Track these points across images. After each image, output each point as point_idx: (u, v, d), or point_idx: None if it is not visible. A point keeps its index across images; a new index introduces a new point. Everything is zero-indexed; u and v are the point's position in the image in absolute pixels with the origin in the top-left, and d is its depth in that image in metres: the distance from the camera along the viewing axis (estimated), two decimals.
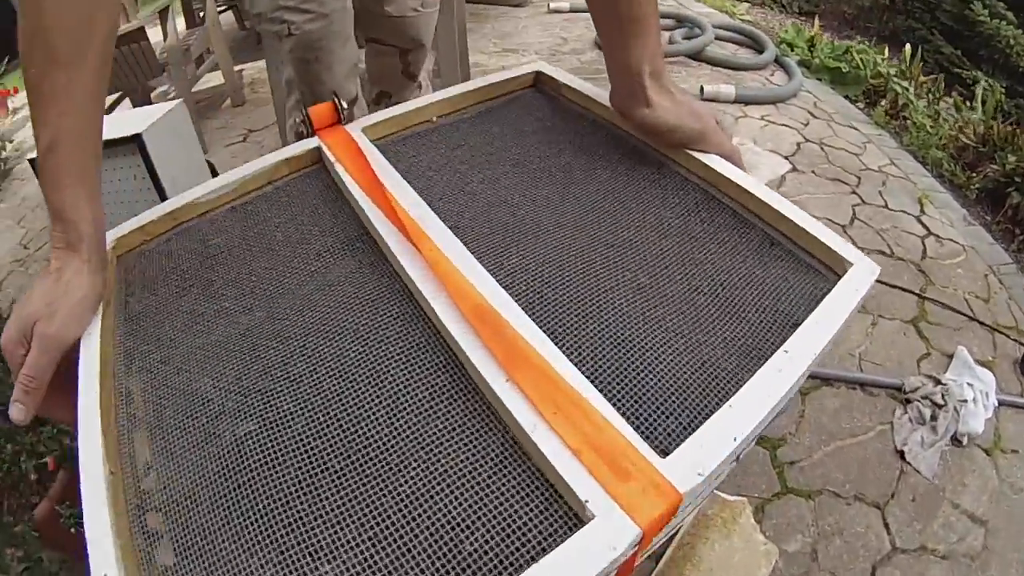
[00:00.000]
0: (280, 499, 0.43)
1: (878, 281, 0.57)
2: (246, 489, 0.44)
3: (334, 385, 0.50)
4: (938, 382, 1.55)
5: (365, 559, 0.39)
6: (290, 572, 0.39)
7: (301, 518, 0.41)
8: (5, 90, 3.93)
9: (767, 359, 0.47)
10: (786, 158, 2.52)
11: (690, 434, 0.41)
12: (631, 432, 0.41)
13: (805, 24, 4.28)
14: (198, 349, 0.57)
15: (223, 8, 4.18)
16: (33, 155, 1.61)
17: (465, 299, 0.49)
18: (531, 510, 0.39)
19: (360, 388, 0.49)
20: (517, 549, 0.38)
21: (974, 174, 2.36)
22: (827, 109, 3.01)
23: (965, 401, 1.47)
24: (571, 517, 0.39)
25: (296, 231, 0.69)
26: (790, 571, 1.22)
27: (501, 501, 0.40)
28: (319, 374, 0.51)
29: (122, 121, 1.43)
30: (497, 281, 0.53)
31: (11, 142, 3.73)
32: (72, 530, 0.97)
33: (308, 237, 0.68)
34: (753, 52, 3.62)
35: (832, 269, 0.58)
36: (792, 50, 3.63)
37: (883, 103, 2.97)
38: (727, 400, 0.44)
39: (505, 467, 0.42)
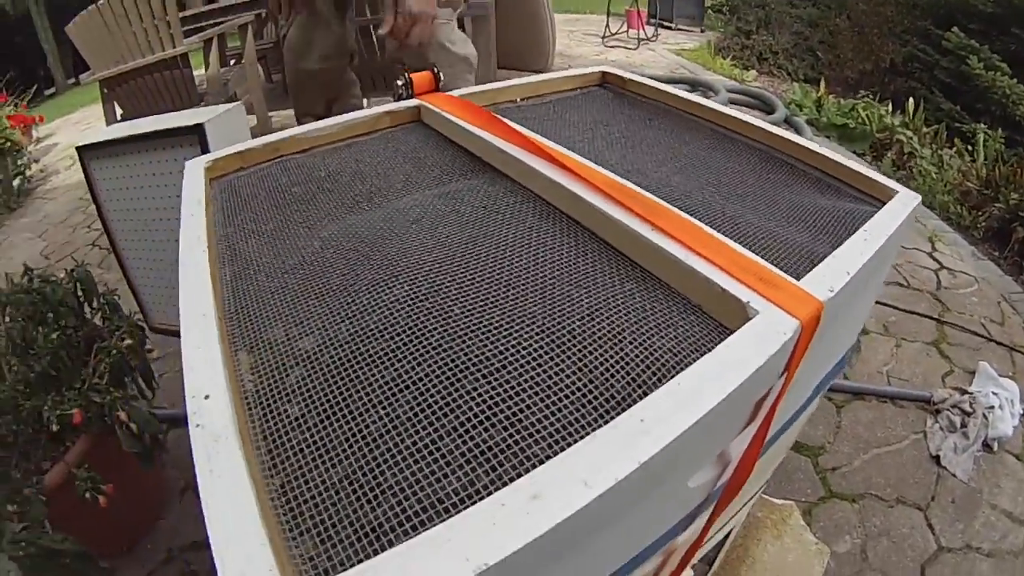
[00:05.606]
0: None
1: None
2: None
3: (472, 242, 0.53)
4: (965, 392, 1.60)
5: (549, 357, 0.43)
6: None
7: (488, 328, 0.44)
8: (31, 117, 4.06)
9: (852, 235, 0.55)
10: None
11: (811, 269, 0.49)
12: (767, 263, 0.47)
13: (811, 89, 4.48)
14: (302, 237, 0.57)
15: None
16: (83, 142, 1.57)
17: (601, 182, 0.56)
18: (683, 324, 0.44)
19: (501, 248, 0.53)
20: (676, 353, 0.42)
21: (980, 214, 2.47)
22: None
23: (992, 408, 1.51)
24: (722, 330, 0.44)
25: (406, 163, 0.71)
26: (842, 571, 1.23)
27: (655, 321, 0.45)
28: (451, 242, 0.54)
29: (184, 115, 1.42)
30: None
31: (37, 162, 3.87)
32: (87, 496, 0.92)
33: (420, 167, 0.70)
34: (764, 113, 3.79)
35: (880, 200, 0.67)
36: (801, 110, 3.79)
37: (890, 154, 3.11)
38: (831, 254, 0.51)
39: (651, 298, 0.47)
